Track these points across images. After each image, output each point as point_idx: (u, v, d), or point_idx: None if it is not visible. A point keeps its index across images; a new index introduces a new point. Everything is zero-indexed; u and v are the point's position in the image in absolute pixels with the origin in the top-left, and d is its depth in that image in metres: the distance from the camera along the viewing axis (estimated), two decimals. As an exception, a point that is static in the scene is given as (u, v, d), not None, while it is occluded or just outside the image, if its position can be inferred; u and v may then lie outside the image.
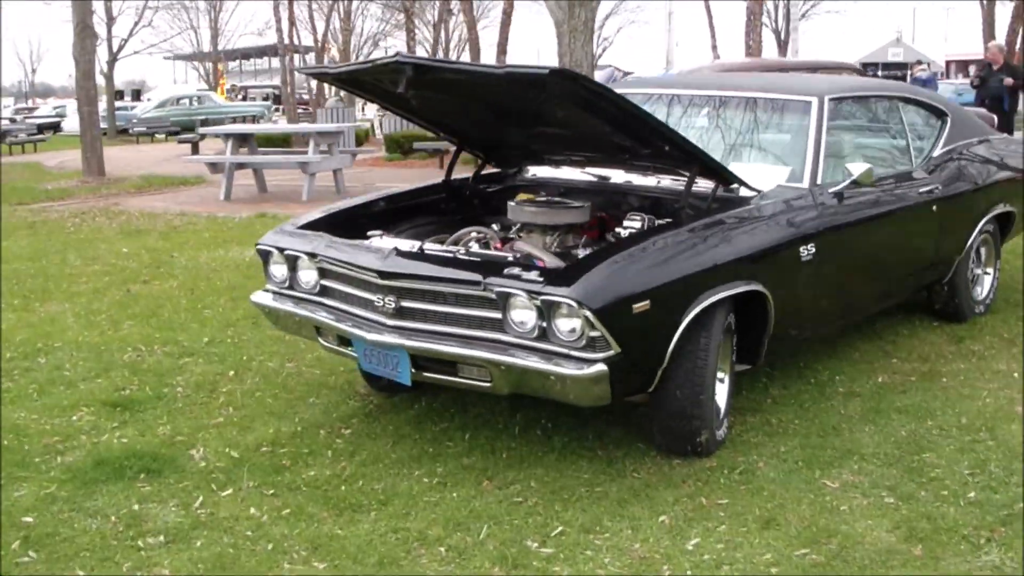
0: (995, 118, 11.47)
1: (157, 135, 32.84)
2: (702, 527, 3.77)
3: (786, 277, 4.72)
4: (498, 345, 4.05)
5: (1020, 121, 18.99)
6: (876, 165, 5.30)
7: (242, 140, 15.46)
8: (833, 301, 5.27)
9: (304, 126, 22.20)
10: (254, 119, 36.15)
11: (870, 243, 5.36)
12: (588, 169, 5.44)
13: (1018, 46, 26.06)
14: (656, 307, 3.99)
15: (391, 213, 5.34)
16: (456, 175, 5.69)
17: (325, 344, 4.78)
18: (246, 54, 68.22)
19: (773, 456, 4.41)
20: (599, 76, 23.85)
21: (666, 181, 5.07)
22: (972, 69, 58.88)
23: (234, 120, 33.34)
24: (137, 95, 52.37)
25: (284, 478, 4.27)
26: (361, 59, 41.39)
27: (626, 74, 28.85)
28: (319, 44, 38.46)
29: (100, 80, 26.46)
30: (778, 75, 8.87)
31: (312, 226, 5.01)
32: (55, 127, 37.17)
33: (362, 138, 24.21)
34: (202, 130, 20.29)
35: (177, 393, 5.40)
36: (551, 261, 4.48)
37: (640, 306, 3.94)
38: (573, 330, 3.88)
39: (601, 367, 3.85)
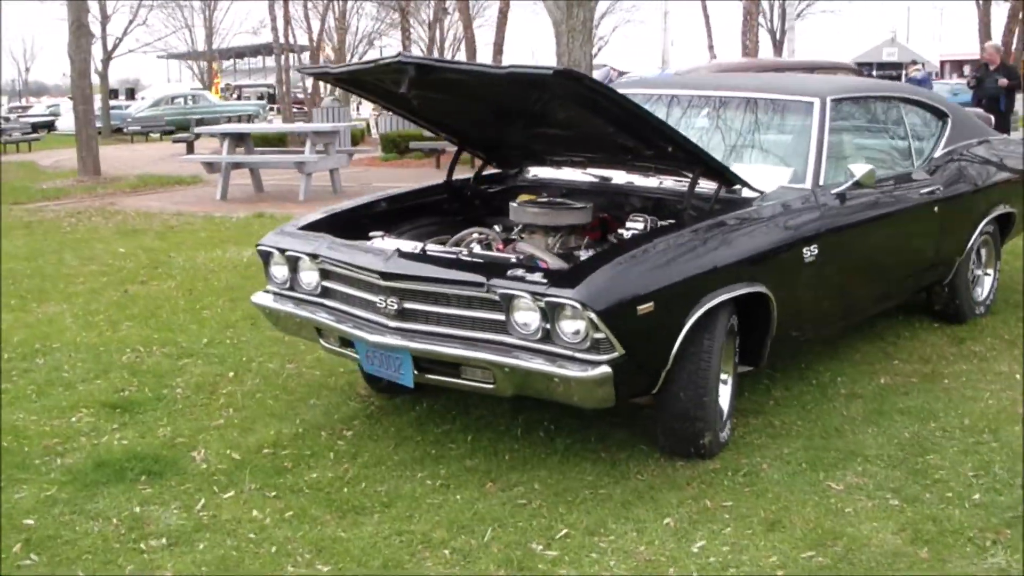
0: (992, 118, 11.50)
1: (152, 134, 32.76)
2: (707, 529, 3.76)
3: (789, 278, 4.71)
4: (501, 347, 4.03)
5: (1019, 120, 19.05)
6: (877, 166, 5.29)
7: (238, 139, 15.43)
8: (835, 302, 5.26)
9: (300, 125, 22.16)
10: (249, 118, 36.07)
11: (872, 244, 5.36)
12: (589, 170, 5.43)
13: (1014, 46, 26.09)
14: (660, 309, 3.98)
15: (392, 214, 5.32)
16: (455, 175, 5.66)
17: (326, 346, 4.76)
18: (240, 53, 68.11)
19: (777, 458, 4.40)
20: (595, 76, 23.81)
21: (668, 182, 5.06)
22: (967, 69, 59.04)
23: (229, 119, 33.28)
24: (131, 94, 52.30)
25: (286, 480, 4.25)
26: (359, 59, 41.39)
27: (621, 73, 28.82)
28: (314, 43, 38.37)
29: (95, 79, 26.34)
30: (779, 75, 8.88)
31: (313, 227, 4.99)
32: (49, 126, 37.10)
33: (358, 138, 24.18)
34: (198, 129, 20.24)
35: (177, 394, 5.38)
36: (554, 262, 4.46)
37: (644, 308, 3.92)
38: (577, 332, 3.86)
39: (605, 369, 3.83)
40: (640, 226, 4.67)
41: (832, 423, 4.81)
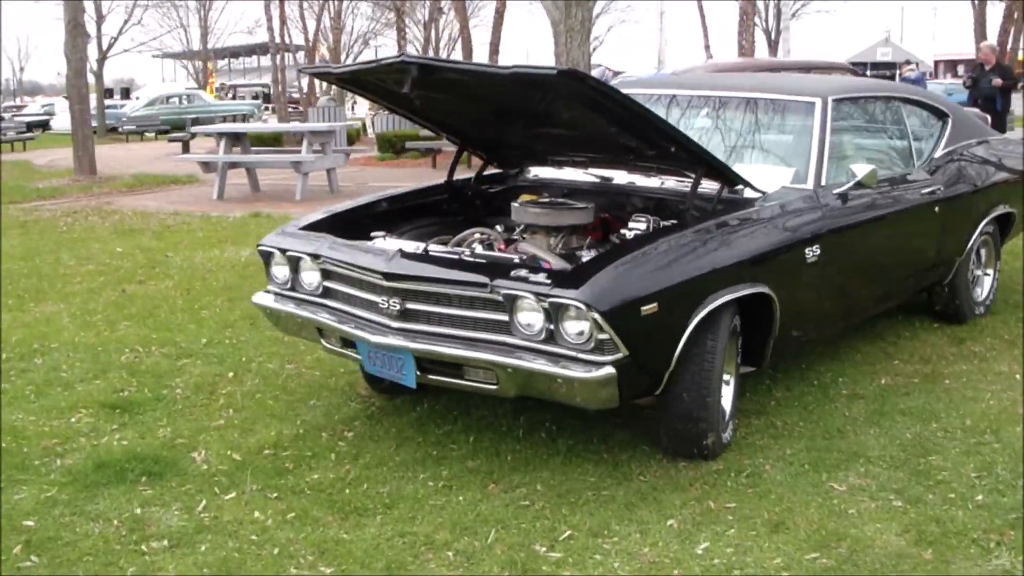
0: (988, 118, 11.51)
1: (147, 134, 32.71)
2: (711, 531, 3.75)
3: (791, 279, 4.70)
4: (504, 347, 4.02)
5: (1016, 120, 19.08)
6: (878, 166, 5.29)
7: (235, 139, 15.40)
8: (837, 303, 5.25)
9: (297, 125, 22.15)
10: (244, 118, 36.04)
11: (874, 244, 5.35)
12: (590, 170, 5.41)
13: (1009, 46, 26.14)
14: (664, 309, 3.97)
15: (392, 214, 5.31)
16: (454, 175, 5.65)
17: (327, 346, 4.74)
18: (235, 52, 68.05)
19: (779, 459, 4.40)
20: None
21: (670, 182, 5.04)
22: (961, 69, 59.20)
23: (224, 119, 33.22)
24: (126, 93, 52.21)
25: (287, 481, 4.24)
26: (355, 58, 41.35)
27: (616, 73, 28.82)
28: (310, 43, 38.34)
29: (90, 78, 26.30)
30: (779, 75, 8.88)
31: (314, 227, 4.97)
32: (44, 125, 37.01)
33: (353, 137, 24.17)
34: (195, 129, 20.21)
35: (176, 395, 5.36)
36: (556, 263, 4.45)
37: (648, 308, 3.91)
38: (581, 333, 3.85)
39: (609, 370, 3.82)
40: (643, 226, 4.66)
41: (834, 424, 4.80)
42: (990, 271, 6.76)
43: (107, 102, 38.48)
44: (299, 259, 4.72)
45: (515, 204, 4.92)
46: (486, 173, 5.73)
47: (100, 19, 36.86)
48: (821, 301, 5.05)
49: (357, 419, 4.95)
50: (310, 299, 4.74)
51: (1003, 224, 6.75)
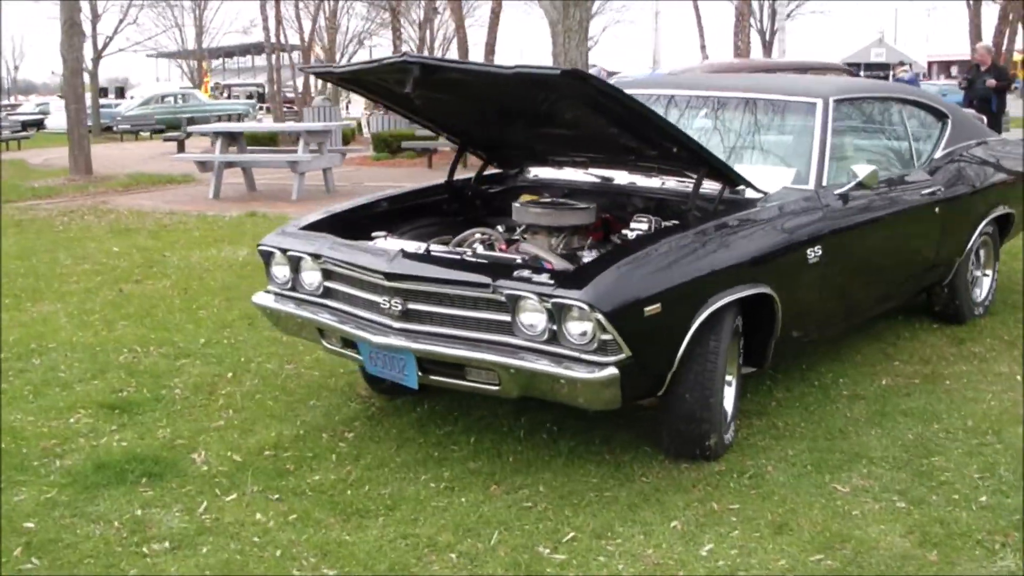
0: (984, 119, 11.52)
1: (141, 133, 32.63)
2: (715, 532, 3.74)
3: (793, 279, 4.69)
4: (507, 348, 4.00)
5: (1010, 121, 19.10)
6: (879, 167, 5.28)
7: (231, 139, 15.37)
8: (837, 304, 5.24)
9: (292, 125, 22.10)
10: (239, 117, 36.00)
11: (875, 245, 5.34)
12: (590, 170, 5.40)
13: (1004, 47, 26.17)
14: (667, 310, 3.96)
15: (393, 214, 5.29)
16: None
17: (328, 346, 4.72)
18: (229, 52, 67.99)
19: (781, 460, 4.39)
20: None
21: (670, 182, 5.03)
22: (954, 70, 59.32)
23: (219, 118, 33.16)
24: (121, 93, 52.12)
25: (288, 483, 4.22)
26: (349, 59, 41.31)
27: (611, 74, 28.82)
28: (306, 43, 38.28)
29: (85, 78, 26.23)
30: (780, 76, 8.87)
31: (314, 227, 4.95)
32: (38, 124, 36.90)
33: (348, 137, 24.12)
34: (191, 128, 20.15)
35: (175, 395, 5.34)
36: (558, 263, 4.43)
37: (651, 309, 3.90)
38: (584, 333, 3.83)
39: (612, 371, 3.81)
40: (644, 227, 4.64)
41: (836, 424, 4.79)
42: (989, 272, 6.76)
43: (102, 101, 38.41)
44: (300, 259, 4.70)
45: (516, 204, 4.91)
46: (486, 173, 5.72)
47: (96, 18, 36.81)
48: (822, 302, 5.04)
49: (357, 420, 4.93)
50: (311, 299, 4.72)
51: (1002, 225, 6.74)
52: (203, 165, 15.00)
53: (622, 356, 3.82)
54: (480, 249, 4.68)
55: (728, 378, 4.43)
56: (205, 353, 6.05)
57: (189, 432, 4.79)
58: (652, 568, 3.51)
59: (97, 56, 37.22)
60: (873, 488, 4.11)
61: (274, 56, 31.83)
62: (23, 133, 29.34)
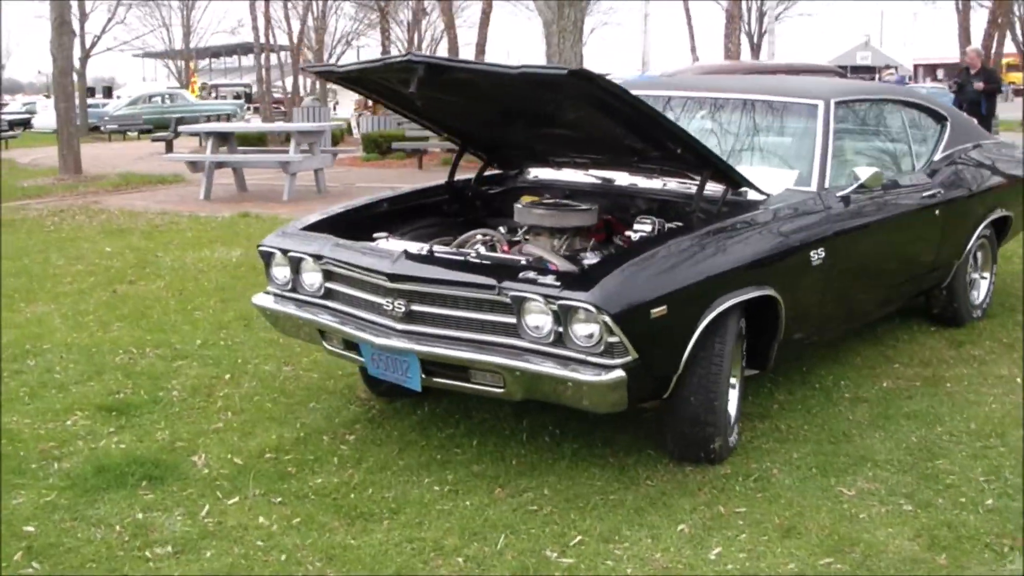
0: (975, 121, 11.53)
1: (129, 133, 32.51)
2: (722, 536, 3.72)
3: (796, 281, 4.68)
4: (512, 350, 3.97)
5: (1002, 124, 19.16)
6: (880, 169, 5.26)
7: (221, 139, 15.30)
8: (840, 306, 5.23)
9: (283, 125, 22.03)
10: (227, 117, 35.89)
11: (877, 248, 5.33)
12: (590, 171, 5.38)
13: (993, 50, 26.29)
14: (673, 312, 3.93)
15: (393, 215, 5.25)
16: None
17: (329, 348, 4.68)
18: (216, 52, 67.80)
19: (786, 463, 4.37)
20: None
21: (672, 184, 5.01)
22: (940, 73, 59.56)
23: (207, 118, 33.05)
24: (108, 92, 51.95)
25: (291, 486, 4.18)
26: (337, 59, 41.20)
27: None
28: (295, 44, 38.17)
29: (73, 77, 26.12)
30: (779, 77, 8.88)
31: (314, 227, 4.91)
32: (26, 124, 36.72)
33: (338, 138, 24.05)
34: (183, 128, 20.08)
35: (173, 397, 5.29)
36: (562, 264, 4.41)
37: (658, 311, 3.88)
38: (591, 335, 3.81)
39: (619, 373, 3.78)
40: (648, 228, 4.62)
41: (839, 427, 4.78)
42: (986, 274, 6.76)
43: (89, 101, 38.24)
44: (300, 260, 4.67)
45: (519, 205, 4.88)
46: (486, 174, 5.68)
47: (83, 17, 36.64)
48: (824, 304, 5.02)
49: (358, 422, 4.90)
50: (311, 300, 4.68)
51: (999, 228, 6.75)
52: (194, 165, 14.94)
53: (629, 359, 3.80)
54: (482, 250, 4.65)
55: (732, 381, 4.41)
56: (202, 355, 6.00)
57: (188, 434, 4.75)
58: (661, 572, 3.48)
59: (85, 55, 37.07)
60: (879, 491, 4.09)
61: (263, 56, 31.71)
62: (10, 132, 29.16)
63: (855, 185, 5.06)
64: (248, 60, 51.90)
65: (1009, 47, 33.26)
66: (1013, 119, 26.98)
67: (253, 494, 4.09)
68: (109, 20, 39.30)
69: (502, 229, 4.99)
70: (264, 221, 11.44)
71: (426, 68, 4.11)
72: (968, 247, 6.29)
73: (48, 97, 21.78)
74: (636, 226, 4.67)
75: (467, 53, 32.05)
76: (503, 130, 5.22)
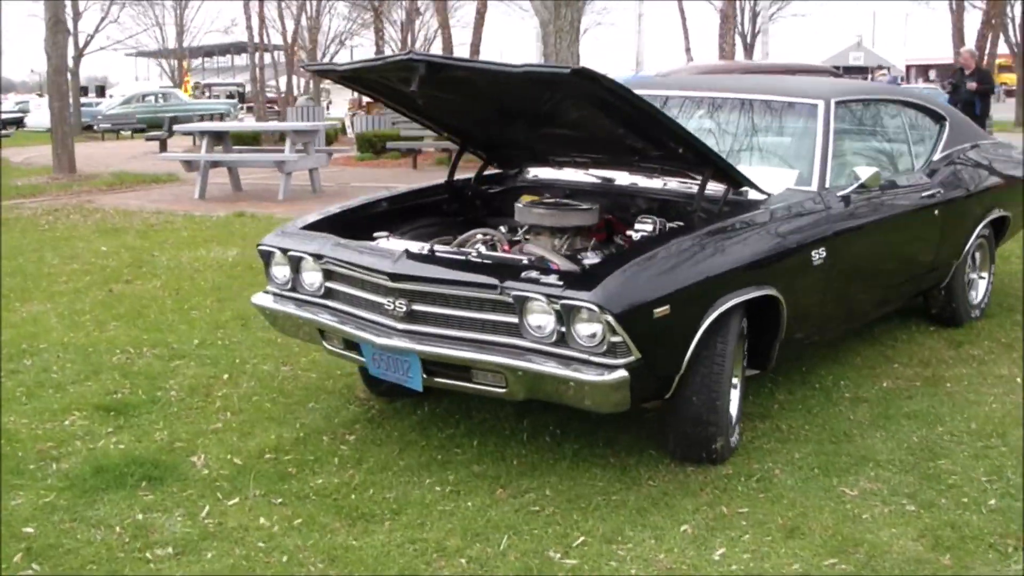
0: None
1: (122, 132, 32.43)
2: (726, 536, 3.70)
3: (798, 281, 4.67)
4: (514, 350, 3.95)
5: (995, 125, 19.22)
6: (880, 168, 5.26)
7: (216, 138, 15.26)
8: (840, 305, 5.22)
9: (277, 124, 21.99)
10: (221, 117, 35.81)
11: (877, 248, 5.33)
12: (590, 171, 5.36)
13: (987, 51, 26.34)
14: (676, 312, 3.92)
15: (393, 214, 5.23)
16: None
17: (329, 348, 4.66)
18: (209, 51, 67.73)
19: (788, 463, 4.36)
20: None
21: (672, 183, 5.00)
22: (933, 73, 59.67)
23: (201, 118, 32.99)
24: (101, 91, 51.83)
25: (291, 486, 4.15)
26: (331, 58, 41.14)
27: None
28: (290, 44, 38.11)
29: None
30: (779, 77, 8.87)
31: (314, 227, 4.89)
32: (18, 122, 36.63)
33: (332, 137, 24.01)
34: (178, 127, 20.04)
35: (171, 397, 5.26)
36: (563, 264, 4.39)
37: (661, 311, 3.86)
38: (593, 335, 3.79)
39: (622, 373, 3.76)
40: (650, 228, 4.60)
41: (840, 427, 4.77)
42: (985, 274, 6.76)
43: (82, 100, 38.13)
44: (300, 259, 4.64)
45: (519, 204, 4.86)
46: (485, 173, 5.67)
47: (77, 16, 36.55)
48: (825, 303, 5.01)
49: (358, 422, 4.87)
50: (311, 300, 4.66)
51: (998, 228, 6.75)
52: (189, 164, 14.88)
53: (631, 358, 3.78)
54: (483, 250, 4.63)
55: (733, 381, 4.40)
56: (199, 354, 5.98)
57: (187, 435, 4.72)
58: (666, 572, 3.47)
59: (78, 54, 36.95)
60: (881, 491, 4.08)
61: (256, 56, 31.66)
62: (3, 131, 29.10)
63: (855, 185, 5.05)
64: (241, 59, 51.90)
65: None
66: (1006, 119, 27.08)
67: (253, 495, 4.07)
68: (103, 19, 39.18)
69: (502, 228, 4.97)
70: (260, 220, 11.42)
71: (427, 67, 4.09)
72: (967, 247, 6.29)
73: (41, 96, 21.73)
74: (637, 226, 4.66)
75: (461, 53, 32.00)
76: (503, 129, 5.20)
